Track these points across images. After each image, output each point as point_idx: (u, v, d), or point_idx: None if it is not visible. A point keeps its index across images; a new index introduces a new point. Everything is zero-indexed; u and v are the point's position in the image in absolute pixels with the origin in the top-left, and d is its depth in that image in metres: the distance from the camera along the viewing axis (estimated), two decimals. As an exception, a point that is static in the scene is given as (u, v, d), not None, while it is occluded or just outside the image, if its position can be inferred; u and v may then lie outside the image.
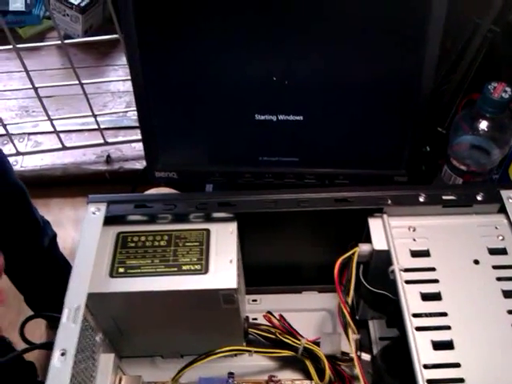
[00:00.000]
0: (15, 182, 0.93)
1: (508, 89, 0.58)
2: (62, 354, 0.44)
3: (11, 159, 1.32)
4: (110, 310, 0.53)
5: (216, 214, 0.55)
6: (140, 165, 1.32)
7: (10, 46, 1.08)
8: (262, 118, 0.63)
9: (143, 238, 0.54)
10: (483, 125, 0.61)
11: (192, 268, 0.52)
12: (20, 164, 1.34)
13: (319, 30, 0.58)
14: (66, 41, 1.09)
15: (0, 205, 0.89)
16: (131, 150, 1.35)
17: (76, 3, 1.50)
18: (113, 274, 0.51)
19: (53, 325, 1.10)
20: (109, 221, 0.54)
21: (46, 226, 1.03)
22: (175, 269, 0.52)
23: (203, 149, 0.67)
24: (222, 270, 0.52)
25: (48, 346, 0.73)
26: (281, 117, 0.63)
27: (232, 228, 0.54)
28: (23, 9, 1.56)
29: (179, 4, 0.58)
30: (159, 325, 0.56)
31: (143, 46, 0.60)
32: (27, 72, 1.12)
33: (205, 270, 0.52)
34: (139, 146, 1.34)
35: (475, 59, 0.66)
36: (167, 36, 0.60)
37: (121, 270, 0.52)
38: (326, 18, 0.57)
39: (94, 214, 0.54)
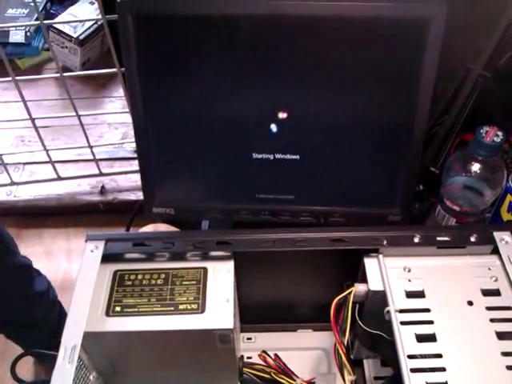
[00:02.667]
0: (19, 263, 0.93)
1: (499, 133, 0.60)
2: (58, 395, 0.44)
3: (5, 189, 1.33)
4: (106, 348, 0.53)
5: (213, 253, 0.56)
6: (134, 196, 1.32)
7: (9, 78, 1.10)
8: (259, 156, 0.64)
9: (140, 277, 0.54)
10: (475, 167, 0.62)
11: (188, 307, 0.52)
12: (14, 194, 1.34)
13: (316, 74, 0.60)
14: (65, 73, 1.11)
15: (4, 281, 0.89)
16: (126, 180, 1.35)
17: (75, 36, 1.52)
18: (109, 312, 0.51)
19: (40, 360, 1.08)
20: (106, 258, 0.54)
21: (44, 296, 1.01)
22: (172, 308, 0.52)
23: (201, 185, 0.68)
24: (219, 309, 0.52)
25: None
26: (278, 156, 0.64)
27: (229, 267, 0.55)
28: (23, 41, 1.58)
29: (180, 46, 0.59)
30: (154, 364, 0.56)
31: (143, 84, 0.61)
32: (25, 103, 1.13)
33: (201, 309, 0.52)
34: (134, 177, 1.35)
35: (467, 102, 0.68)
36: (167, 75, 0.61)
37: (117, 308, 0.52)
38: (322, 63, 0.59)
39: (92, 252, 0.54)
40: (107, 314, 0.51)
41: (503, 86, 0.70)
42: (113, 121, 1.47)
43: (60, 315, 1.04)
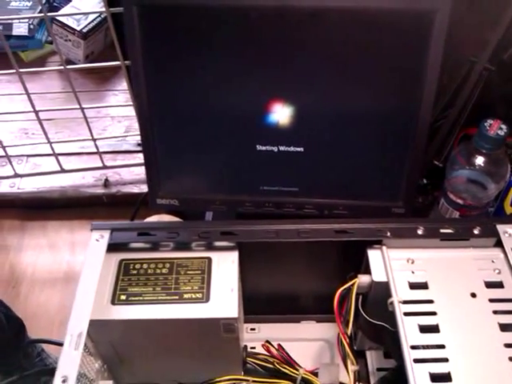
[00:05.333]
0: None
1: (503, 126, 0.60)
2: (64, 381, 0.45)
3: (9, 181, 1.33)
4: (111, 336, 0.53)
5: (218, 243, 0.56)
6: (138, 189, 1.32)
7: (13, 70, 1.10)
8: (264, 148, 0.65)
9: (145, 266, 0.54)
10: (479, 160, 0.63)
11: (193, 296, 0.52)
12: (17, 186, 1.34)
13: (321, 66, 0.60)
14: (69, 66, 1.10)
15: None
16: (129, 173, 1.35)
17: (78, 29, 1.52)
18: (114, 301, 0.52)
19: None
20: (112, 248, 0.55)
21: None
22: (176, 297, 0.52)
23: (205, 177, 0.68)
24: (223, 298, 0.52)
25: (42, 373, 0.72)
26: (282, 148, 0.64)
27: (233, 257, 0.55)
28: (26, 33, 1.57)
29: (186, 37, 0.59)
30: (158, 352, 0.56)
31: (149, 75, 0.62)
32: (28, 95, 1.13)
33: (206, 298, 0.52)
34: (137, 170, 1.35)
35: (471, 95, 0.68)
36: (172, 66, 0.61)
37: (122, 297, 0.52)
38: (327, 54, 0.59)
39: (97, 241, 0.54)
40: (113, 303, 0.52)
41: (508, 79, 0.70)
42: (116, 114, 1.46)
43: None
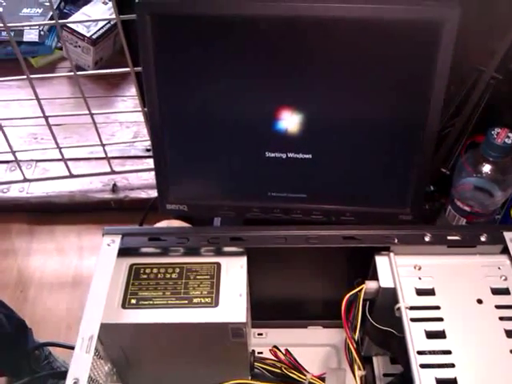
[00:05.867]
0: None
1: (511, 134, 0.60)
2: (75, 384, 0.45)
3: (18, 186, 1.34)
4: (121, 340, 0.54)
5: (227, 249, 0.57)
6: (145, 194, 1.33)
7: (24, 76, 1.11)
8: (272, 155, 0.65)
9: (155, 270, 0.55)
10: (486, 168, 0.63)
11: (202, 301, 0.53)
12: (26, 190, 1.35)
13: (329, 75, 0.61)
14: (79, 72, 1.12)
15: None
16: (137, 179, 1.36)
17: (88, 35, 1.54)
18: (125, 305, 0.52)
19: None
20: (123, 252, 0.55)
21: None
22: (186, 301, 0.53)
23: (214, 183, 0.69)
24: (232, 303, 0.53)
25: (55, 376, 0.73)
26: (290, 155, 0.65)
27: (242, 262, 0.56)
28: (37, 39, 1.60)
29: (198, 46, 0.60)
30: (167, 356, 0.57)
31: (160, 83, 0.63)
32: (39, 101, 1.14)
33: (215, 303, 0.53)
34: (145, 175, 1.36)
35: (478, 104, 0.68)
36: (184, 75, 0.62)
37: (133, 301, 0.53)
38: (336, 64, 0.60)
39: (108, 245, 0.55)
40: (123, 307, 0.52)
41: (515, 88, 0.71)
42: (124, 120, 1.48)
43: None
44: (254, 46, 0.60)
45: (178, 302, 0.53)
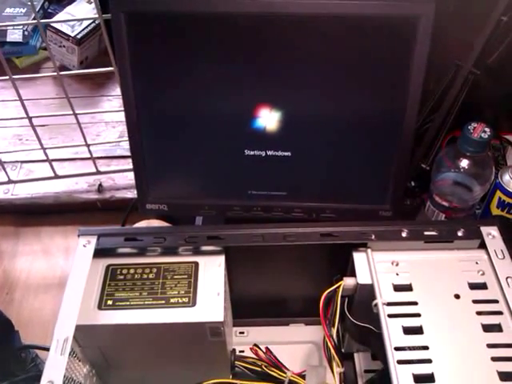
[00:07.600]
0: None
1: (487, 129, 0.61)
2: (49, 386, 0.45)
3: (3, 187, 1.33)
4: (98, 341, 0.53)
5: (204, 247, 0.56)
6: (132, 194, 1.32)
7: (7, 77, 1.10)
8: (251, 153, 0.65)
9: (132, 271, 0.55)
10: (464, 163, 0.63)
11: (180, 301, 0.53)
12: (11, 192, 1.34)
13: (307, 72, 0.61)
14: (62, 72, 1.11)
15: None
16: (123, 178, 1.35)
17: (72, 35, 1.52)
18: (101, 306, 0.52)
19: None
20: (99, 253, 0.55)
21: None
22: (163, 301, 0.53)
23: (193, 182, 0.69)
24: (210, 302, 0.52)
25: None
26: (269, 152, 0.65)
27: (220, 261, 0.56)
28: (21, 40, 1.58)
29: (172, 43, 0.60)
30: (146, 357, 0.57)
31: (136, 81, 0.62)
32: (22, 101, 1.13)
33: (192, 302, 0.52)
34: (131, 175, 1.34)
35: (457, 99, 0.68)
36: (159, 72, 0.62)
37: (109, 302, 0.52)
38: (312, 60, 0.60)
39: (84, 246, 0.55)
40: (99, 308, 0.52)
41: (494, 82, 0.71)
42: (110, 119, 1.47)
43: None
44: (229, 43, 0.60)
45: (154, 302, 0.53)
